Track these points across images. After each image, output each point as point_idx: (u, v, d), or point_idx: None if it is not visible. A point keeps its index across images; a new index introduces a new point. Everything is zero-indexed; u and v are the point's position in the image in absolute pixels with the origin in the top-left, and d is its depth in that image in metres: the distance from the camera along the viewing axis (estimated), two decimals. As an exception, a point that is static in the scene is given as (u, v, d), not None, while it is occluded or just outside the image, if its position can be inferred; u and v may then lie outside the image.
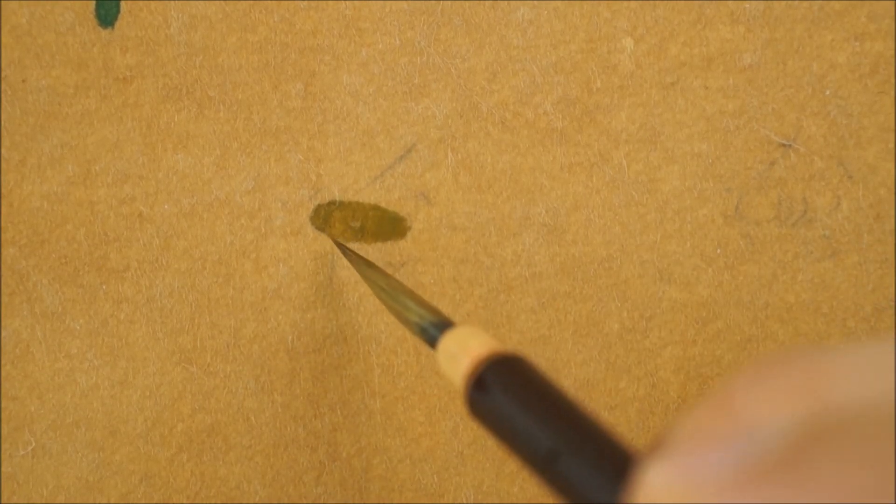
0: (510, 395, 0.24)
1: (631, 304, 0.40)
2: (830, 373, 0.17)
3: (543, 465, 0.22)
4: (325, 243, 0.39)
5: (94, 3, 0.37)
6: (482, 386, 0.25)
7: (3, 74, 0.37)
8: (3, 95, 0.37)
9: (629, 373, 0.41)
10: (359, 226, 0.39)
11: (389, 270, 0.39)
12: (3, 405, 0.38)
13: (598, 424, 0.22)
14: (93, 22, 0.37)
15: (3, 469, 0.38)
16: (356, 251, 0.39)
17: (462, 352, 0.26)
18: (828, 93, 0.40)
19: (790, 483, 0.16)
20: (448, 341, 0.28)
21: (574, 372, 0.41)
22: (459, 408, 0.40)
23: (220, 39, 0.38)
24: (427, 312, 0.30)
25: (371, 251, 0.39)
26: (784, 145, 0.40)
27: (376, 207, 0.39)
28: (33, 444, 0.38)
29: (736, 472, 0.16)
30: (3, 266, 0.38)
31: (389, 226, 0.39)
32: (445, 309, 0.40)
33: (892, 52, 0.40)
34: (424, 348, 0.40)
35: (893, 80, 0.40)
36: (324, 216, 0.39)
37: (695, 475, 0.17)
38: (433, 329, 0.29)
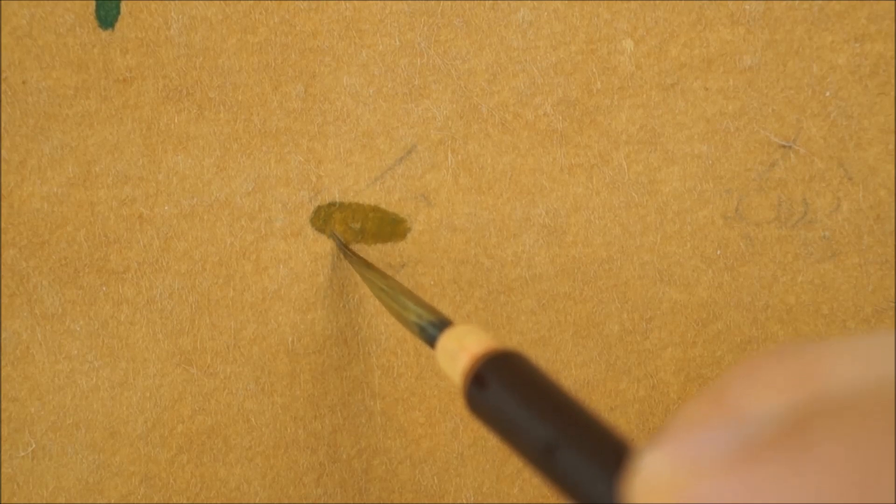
0: (508, 390, 0.24)
1: (631, 305, 0.40)
2: (822, 362, 0.17)
3: (541, 457, 0.22)
4: (325, 245, 0.39)
5: (94, 4, 0.37)
6: (480, 382, 0.25)
7: (3, 76, 0.37)
8: (3, 97, 0.37)
9: (629, 374, 0.41)
10: (359, 227, 0.39)
11: (389, 272, 0.39)
12: (3, 406, 0.38)
13: (595, 417, 0.22)
14: (93, 23, 0.37)
15: (3, 470, 0.38)
16: (356, 252, 0.39)
17: (460, 349, 0.27)
18: (828, 94, 0.40)
19: (783, 462, 0.16)
20: (446, 340, 0.28)
21: (574, 373, 0.41)
22: (459, 409, 0.40)
23: (221, 41, 0.38)
24: (426, 312, 0.31)
25: (371, 252, 0.39)
26: (784, 146, 0.40)
27: (376, 209, 0.39)
28: (33, 445, 0.38)
29: (730, 453, 0.16)
30: (3, 267, 0.38)
31: (389, 227, 0.39)
32: (446, 310, 0.40)
33: (893, 53, 0.40)
34: (424, 350, 0.40)
35: (894, 82, 0.40)
36: (324, 217, 0.39)
37: (688, 458, 0.17)
38: (432, 328, 0.30)
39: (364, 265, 0.37)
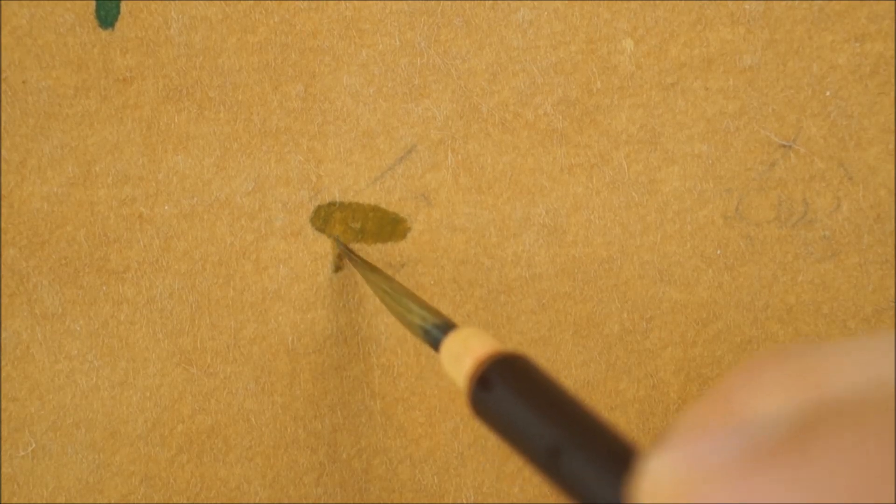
0: (513, 393, 0.24)
1: (631, 305, 0.40)
2: (824, 364, 0.17)
3: (547, 460, 0.22)
4: (325, 244, 0.39)
5: (94, 4, 0.37)
6: (485, 385, 0.25)
7: (3, 75, 0.37)
8: (3, 96, 0.37)
9: (629, 374, 0.41)
10: (359, 227, 0.39)
11: (389, 272, 0.39)
12: (3, 406, 0.38)
13: (600, 420, 0.22)
14: (93, 23, 0.37)
15: (3, 470, 0.38)
16: (358, 253, 0.39)
17: (465, 352, 0.27)
18: (828, 94, 0.40)
19: (790, 465, 0.16)
20: (451, 342, 0.28)
21: (574, 373, 0.41)
22: (459, 408, 0.40)
23: (221, 40, 0.38)
24: (430, 315, 0.31)
25: (371, 252, 0.39)
26: (784, 146, 0.40)
27: (376, 208, 0.39)
28: (33, 445, 0.38)
29: (738, 457, 0.17)
30: (3, 267, 0.38)
31: (390, 227, 0.39)
32: (445, 310, 0.40)
33: (893, 52, 0.40)
34: (424, 349, 0.40)
35: (894, 81, 0.40)
36: (324, 217, 0.39)
37: (696, 462, 0.17)
38: (436, 331, 0.30)
39: (368, 268, 0.37)
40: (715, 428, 0.17)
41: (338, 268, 0.39)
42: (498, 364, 0.26)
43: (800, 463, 0.16)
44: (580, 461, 0.22)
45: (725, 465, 0.17)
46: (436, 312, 0.31)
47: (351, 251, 0.38)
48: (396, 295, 0.33)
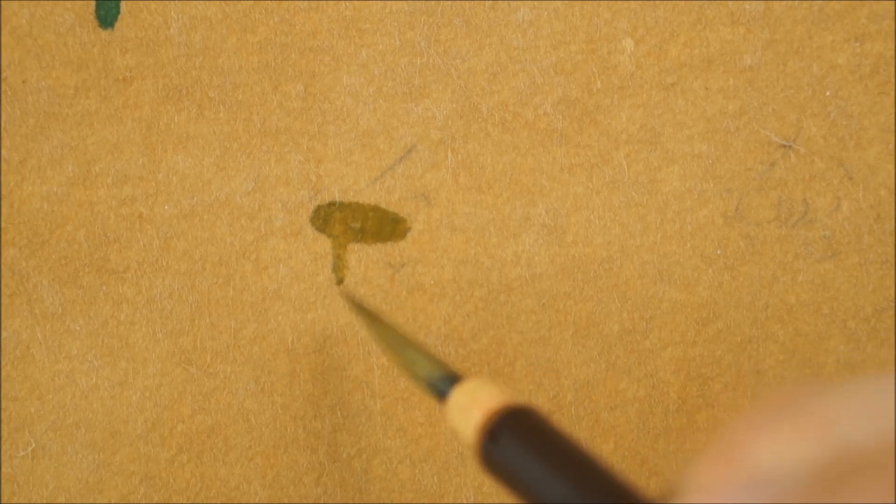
0: (523, 447, 0.24)
1: (631, 304, 0.40)
2: (833, 414, 0.17)
3: None
4: (325, 244, 0.39)
5: (94, 3, 0.37)
6: (494, 438, 0.25)
7: (3, 75, 0.37)
8: (3, 96, 0.37)
9: (629, 374, 0.41)
10: (359, 227, 0.39)
11: (389, 272, 0.39)
12: (3, 406, 0.38)
13: (611, 472, 0.22)
14: (93, 23, 0.37)
15: (3, 470, 0.38)
16: (360, 251, 0.39)
17: (473, 404, 0.26)
18: (828, 94, 0.40)
19: None
20: (458, 395, 0.28)
21: (574, 373, 0.41)
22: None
23: (220, 40, 0.38)
24: (435, 367, 0.30)
25: (371, 252, 0.39)
26: (784, 146, 0.40)
27: (376, 208, 0.39)
28: (33, 444, 0.38)
29: None
30: (3, 267, 0.38)
31: (390, 227, 0.39)
32: (445, 310, 0.40)
33: (893, 52, 0.40)
34: (424, 349, 0.40)
35: (894, 81, 0.40)
36: (324, 217, 0.39)
37: None
38: (442, 383, 0.29)
39: (370, 318, 0.36)
40: (731, 484, 0.17)
41: (340, 281, 0.39)
42: (508, 417, 0.25)
43: None
44: None
45: None
46: (440, 363, 0.30)
47: (354, 300, 0.38)
48: (399, 346, 0.33)
